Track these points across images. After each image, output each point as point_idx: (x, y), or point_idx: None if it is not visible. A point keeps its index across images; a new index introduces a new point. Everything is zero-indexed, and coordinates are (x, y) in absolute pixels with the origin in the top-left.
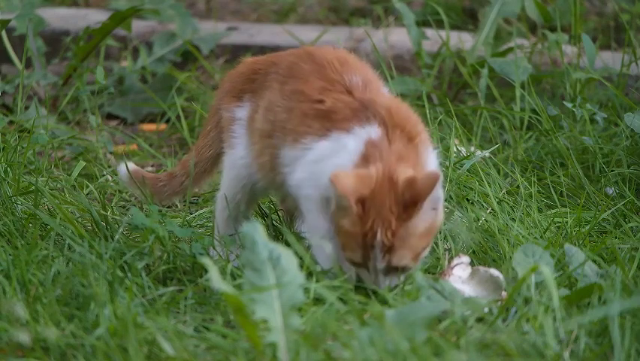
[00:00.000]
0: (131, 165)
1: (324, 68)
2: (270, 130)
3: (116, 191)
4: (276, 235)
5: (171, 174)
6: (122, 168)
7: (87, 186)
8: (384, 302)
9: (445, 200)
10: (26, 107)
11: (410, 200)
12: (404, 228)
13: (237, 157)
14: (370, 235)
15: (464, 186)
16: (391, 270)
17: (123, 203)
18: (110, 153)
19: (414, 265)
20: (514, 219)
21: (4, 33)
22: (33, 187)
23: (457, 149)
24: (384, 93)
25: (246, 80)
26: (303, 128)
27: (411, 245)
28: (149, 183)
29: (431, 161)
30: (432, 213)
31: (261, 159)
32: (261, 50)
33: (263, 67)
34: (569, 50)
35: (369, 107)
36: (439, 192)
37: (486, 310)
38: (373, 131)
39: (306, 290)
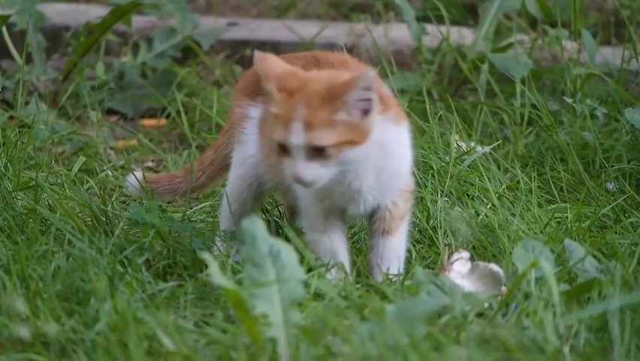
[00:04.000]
0: (139, 174)
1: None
2: None
3: (116, 186)
4: (277, 231)
5: (188, 170)
6: (131, 179)
7: (87, 182)
8: (384, 297)
9: (446, 195)
10: (26, 103)
11: (335, 92)
12: (326, 111)
13: (247, 155)
14: (294, 110)
15: (464, 182)
16: (312, 153)
17: (123, 198)
18: (110, 148)
19: (335, 152)
20: (514, 215)
21: (4, 28)
22: (33, 182)
23: (458, 144)
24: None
25: (258, 81)
26: None
27: (331, 128)
28: (165, 182)
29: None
30: (358, 113)
31: (269, 160)
32: (262, 45)
33: None
34: (570, 45)
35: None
36: (369, 95)
37: (486, 305)
38: None
39: (306, 285)
